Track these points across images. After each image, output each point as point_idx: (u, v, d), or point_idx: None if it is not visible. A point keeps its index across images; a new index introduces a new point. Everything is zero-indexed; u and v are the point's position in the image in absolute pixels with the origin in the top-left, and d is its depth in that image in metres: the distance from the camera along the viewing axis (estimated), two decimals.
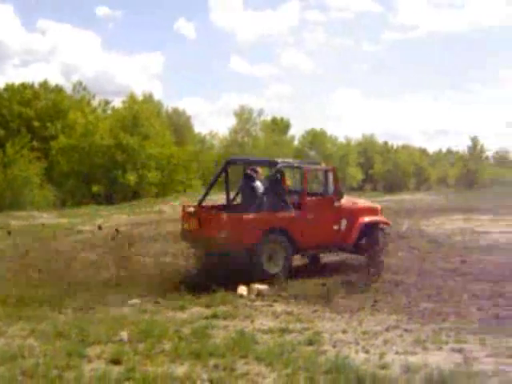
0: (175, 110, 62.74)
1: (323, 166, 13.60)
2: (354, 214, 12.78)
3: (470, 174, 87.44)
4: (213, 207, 13.20)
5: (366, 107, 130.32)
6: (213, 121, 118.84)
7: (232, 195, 13.38)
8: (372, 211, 13.45)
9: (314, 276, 11.59)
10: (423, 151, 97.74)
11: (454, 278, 11.35)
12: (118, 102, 52.36)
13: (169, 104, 63.85)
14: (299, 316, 8.52)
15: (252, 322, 8.20)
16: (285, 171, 12.45)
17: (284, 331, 7.58)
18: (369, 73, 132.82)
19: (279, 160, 12.50)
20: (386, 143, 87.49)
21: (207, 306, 9.13)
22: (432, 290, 10.23)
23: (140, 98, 50.38)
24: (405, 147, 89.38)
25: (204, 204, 12.94)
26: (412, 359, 6.36)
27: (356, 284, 10.61)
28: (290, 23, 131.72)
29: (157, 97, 66.46)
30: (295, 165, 12.84)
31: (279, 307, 9.17)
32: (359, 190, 70.35)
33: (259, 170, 12.61)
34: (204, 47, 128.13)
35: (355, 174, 71.39)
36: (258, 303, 9.50)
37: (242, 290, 10.18)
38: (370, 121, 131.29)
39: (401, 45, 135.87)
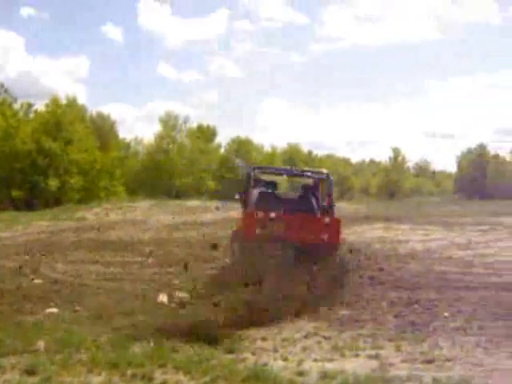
0: (100, 115, 61.62)
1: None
2: None
3: (391, 184, 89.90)
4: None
5: (292, 117, 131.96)
6: (138, 127, 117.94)
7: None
8: None
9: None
10: (347, 161, 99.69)
11: (372, 286, 11.61)
12: (41, 106, 50.92)
13: (93, 109, 62.50)
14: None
15: (171, 331, 8.13)
16: None
17: (204, 340, 7.57)
18: (295, 83, 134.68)
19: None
20: (310, 152, 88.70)
21: (126, 315, 9.00)
22: (350, 298, 10.43)
23: (64, 101, 49.34)
24: (329, 156, 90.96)
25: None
26: (329, 366, 6.49)
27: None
28: (219, 31, 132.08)
29: (81, 101, 65.13)
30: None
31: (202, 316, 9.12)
32: None
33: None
34: (131, 52, 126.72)
35: (280, 182, 72.05)
36: (180, 312, 9.43)
37: (163, 297, 10.11)
38: (295, 130, 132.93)
39: (326, 56, 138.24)
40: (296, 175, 15.96)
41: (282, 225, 11.72)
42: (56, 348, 7.01)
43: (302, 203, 13.55)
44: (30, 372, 6.17)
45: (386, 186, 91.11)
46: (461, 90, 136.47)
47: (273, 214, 11.79)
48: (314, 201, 13.72)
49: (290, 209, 12.53)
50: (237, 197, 13.79)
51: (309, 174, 14.62)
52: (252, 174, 13.68)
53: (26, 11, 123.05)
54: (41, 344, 7.09)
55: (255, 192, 13.50)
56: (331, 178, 13.98)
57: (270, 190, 14.08)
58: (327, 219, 12.35)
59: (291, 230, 11.58)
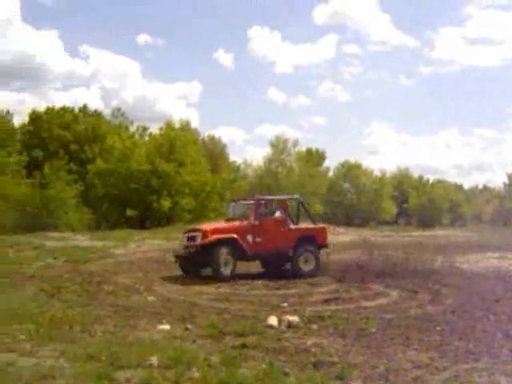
0: (211, 138, 63.21)
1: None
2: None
3: (506, 211, 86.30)
4: None
5: (401, 141, 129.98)
6: (248, 150, 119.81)
7: None
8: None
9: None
10: (459, 187, 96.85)
11: (487, 317, 11.16)
12: (155, 129, 52.81)
13: (205, 132, 64.26)
14: (329, 349, 8.44)
15: (281, 353, 8.14)
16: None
17: (314, 365, 7.52)
18: (404, 106, 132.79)
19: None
20: (421, 177, 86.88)
21: (237, 335, 9.10)
22: (464, 329, 10.07)
23: (177, 125, 50.91)
24: (440, 182, 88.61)
25: None
26: None
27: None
28: (327, 56, 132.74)
29: (194, 125, 66.94)
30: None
31: (309, 340, 9.08)
32: (393, 224, 69.74)
33: None
34: (242, 77, 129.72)
35: (389, 207, 70.86)
36: (288, 335, 9.43)
37: (273, 320, 10.14)
38: (404, 155, 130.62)
39: (436, 79, 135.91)
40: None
41: None
42: (168, 364, 7.15)
43: None
44: None
45: (500, 213, 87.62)
46: None
47: None
48: None
49: None
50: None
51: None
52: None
53: (142, 38, 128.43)
54: (154, 359, 7.26)
55: None
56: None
57: None
58: None
59: None
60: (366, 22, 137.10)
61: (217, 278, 15.76)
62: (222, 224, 18.17)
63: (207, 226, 17.84)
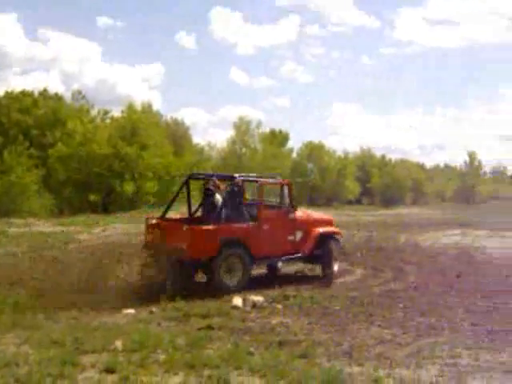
0: (174, 121, 62.62)
1: (279, 179, 13.96)
2: (308, 225, 13.29)
3: (466, 189, 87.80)
4: (175, 220, 13.71)
5: (364, 121, 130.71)
6: (212, 132, 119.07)
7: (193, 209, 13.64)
8: (326, 223, 13.99)
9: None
10: (421, 166, 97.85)
11: (449, 293, 11.38)
12: (117, 112, 52.17)
13: (168, 114, 63.67)
14: (294, 328, 8.52)
15: (246, 333, 8.19)
16: (244, 185, 12.97)
17: (279, 344, 7.58)
18: (367, 87, 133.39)
19: (237, 174, 12.89)
20: (383, 157, 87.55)
21: (202, 317, 9.13)
22: (427, 305, 10.26)
23: (139, 108, 50.38)
24: (402, 161, 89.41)
25: (167, 217, 13.30)
26: (405, 373, 6.40)
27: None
28: (290, 37, 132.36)
29: (156, 107, 66.62)
30: (251, 179, 13.46)
31: (274, 320, 9.15)
32: (357, 203, 70.35)
33: (220, 184, 13.02)
34: (204, 59, 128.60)
35: (353, 187, 71.27)
36: (253, 315, 9.49)
37: (237, 300, 10.18)
38: (367, 134, 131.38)
39: (397, 60, 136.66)
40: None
41: None
42: (133, 347, 7.14)
43: None
44: (109, 370, 6.32)
45: (461, 191, 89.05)
46: None
47: None
48: None
49: None
50: None
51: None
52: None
53: (102, 21, 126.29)
54: (118, 343, 7.24)
55: None
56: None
57: None
58: None
59: None
60: (328, 3, 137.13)
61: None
62: None
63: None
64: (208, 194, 12.83)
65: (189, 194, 13.52)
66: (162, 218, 12.99)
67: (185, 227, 11.56)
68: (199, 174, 15.70)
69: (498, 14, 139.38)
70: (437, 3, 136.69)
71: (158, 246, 11.72)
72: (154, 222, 12.50)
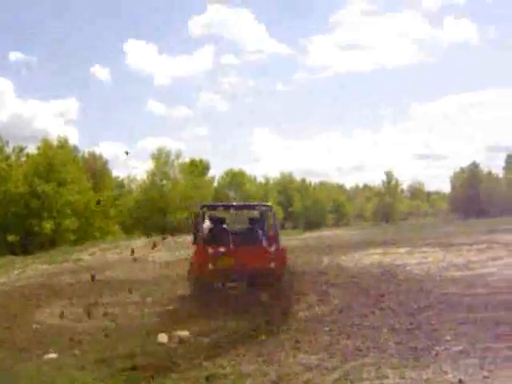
0: (92, 155, 61.79)
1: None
2: None
3: (386, 208, 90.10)
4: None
5: (283, 146, 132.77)
6: (131, 164, 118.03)
7: None
8: None
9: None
10: (341, 187, 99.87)
11: (373, 313, 11.54)
12: (32, 149, 51.09)
13: (85, 149, 62.65)
14: (221, 361, 8.42)
15: (174, 371, 8.05)
16: None
17: (206, 379, 7.48)
18: (283, 113, 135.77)
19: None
20: (303, 180, 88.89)
21: (127, 357, 8.89)
22: (352, 327, 10.36)
23: (55, 143, 49.47)
24: (322, 184, 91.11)
25: None
26: None
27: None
28: (205, 67, 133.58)
29: (73, 142, 65.20)
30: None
31: (201, 354, 9.00)
32: (280, 228, 70.75)
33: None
34: (120, 91, 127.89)
35: (276, 212, 72.01)
36: (179, 351, 9.33)
37: (163, 337, 10.02)
38: (287, 160, 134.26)
39: (312, 85, 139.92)
40: (242, 208, 17.49)
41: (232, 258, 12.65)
42: None
43: (250, 235, 14.29)
44: None
45: (380, 210, 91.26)
46: (449, 110, 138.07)
47: (222, 249, 12.78)
48: (260, 232, 14.44)
49: (238, 241, 13.44)
50: None
51: (254, 206, 16.06)
52: (201, 211, 14.17)
53: (14, 55, 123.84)
54: None
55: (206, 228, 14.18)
56: (273, 209, 15.52)
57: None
58: (273, 248, 13.32)
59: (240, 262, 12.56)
60: (242, 33, 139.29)
61: None
62: None
63: None
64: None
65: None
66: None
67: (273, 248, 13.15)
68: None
69: (407, 37, 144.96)
70: (347, 29, 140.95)
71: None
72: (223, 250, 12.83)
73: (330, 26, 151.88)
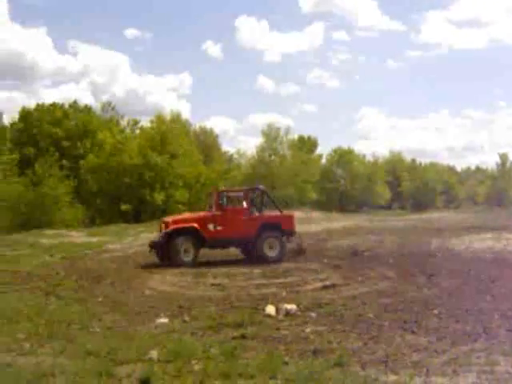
0: (203, 129, 62.99)
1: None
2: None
3: (499, 192, 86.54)
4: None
5: (393, 125, 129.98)
6: (240, 139, 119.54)
7: None
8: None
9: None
10: (451, 169, 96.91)
11: (483, 299, 11.21)
12: (146, 122, 52.60)
13: (196, 123, 63.89)
14: (328, 336, 8.45)
15: (281, 342, 8.16)
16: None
17: (313, 352, 7.53)
18: (394, 90, 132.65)
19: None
20: (413, 161, 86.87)
21: (236, 326, 9.10)
22: (462, 311, 10.10)
23: (168, 117, 50.66)
24: (432, 165, 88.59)
25: None
26: (442, 380, 6.29)
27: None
28: (315, 43, 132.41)
29: (184, 116, 66.72)
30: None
31: (307, 328, 9.09)
32: (387, 208, 69.75)
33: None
34: (231, 67, 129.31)
35: (383, 192, 70.81)
36: (286, 323, 9.45)
37: (271, 309, 10.16)
38: (395, 138, 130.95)
39: (423, 63, 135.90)
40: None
41: None
42: (168, 358, 7.16)
43: None
44: (145, 381, 6.32)
45: (493, 193, 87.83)
46: None
47: None
48: None
49: None
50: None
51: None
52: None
53: (130, 32, 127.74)
54: (153, 354, 7.26)
55: None
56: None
57: None
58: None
59: None
60: (353, 9, 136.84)
61: (175, 264, 16.92)
62: (186, 215, 20.80)
63: (173, 217, 19.67)
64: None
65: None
66: None
67: None
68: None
69: None
70: (461, 4, 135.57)
71: None
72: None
73: (445, 1, 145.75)
